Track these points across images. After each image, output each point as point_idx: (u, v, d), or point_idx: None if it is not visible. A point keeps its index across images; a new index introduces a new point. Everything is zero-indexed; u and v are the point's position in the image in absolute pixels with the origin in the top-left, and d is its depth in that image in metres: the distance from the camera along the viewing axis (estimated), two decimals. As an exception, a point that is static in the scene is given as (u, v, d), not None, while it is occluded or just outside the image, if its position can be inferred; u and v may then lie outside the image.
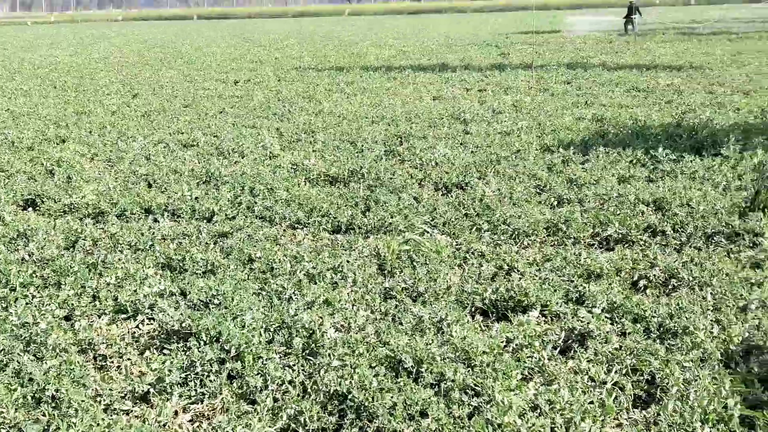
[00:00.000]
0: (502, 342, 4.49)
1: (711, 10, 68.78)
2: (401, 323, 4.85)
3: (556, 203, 7.61)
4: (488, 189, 8.06)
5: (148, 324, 4.99)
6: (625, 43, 29.75)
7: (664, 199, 7.27)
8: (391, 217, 7.07)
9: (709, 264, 5.60)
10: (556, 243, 6.48)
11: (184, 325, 4.74)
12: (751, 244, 6.09)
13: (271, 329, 4.72)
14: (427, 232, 6.81)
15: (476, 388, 3.99)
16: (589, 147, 9.86)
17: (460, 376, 4.07)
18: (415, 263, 5.93)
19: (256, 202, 7.77)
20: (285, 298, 5.27)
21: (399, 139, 11.09)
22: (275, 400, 4.06)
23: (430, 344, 4.40)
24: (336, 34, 49.85)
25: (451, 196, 7.96)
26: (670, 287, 5.39)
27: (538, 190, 8.07)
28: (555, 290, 5.24)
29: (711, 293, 5.08)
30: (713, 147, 9.55)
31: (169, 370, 4.28)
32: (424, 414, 3.84)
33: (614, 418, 3.81)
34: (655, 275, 5.51)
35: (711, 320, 4.69)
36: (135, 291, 5.41)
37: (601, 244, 6.43)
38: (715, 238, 6.26)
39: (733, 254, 5.92)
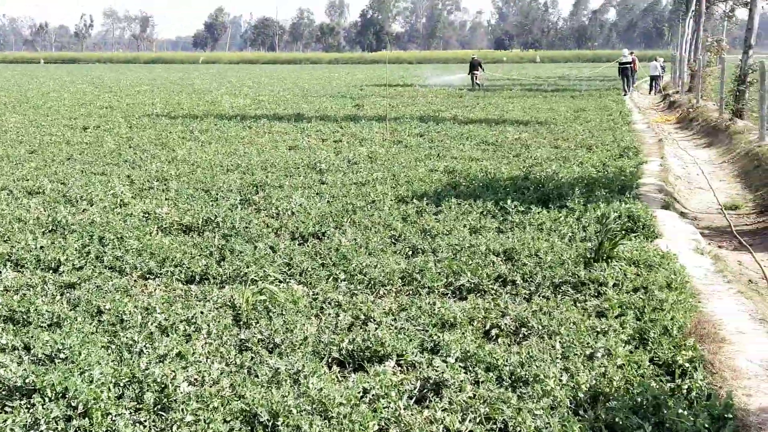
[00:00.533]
0: (358, 393, 4.47)
1: (555, 68, 72.04)
2: (257, 375, 4.76)
3: (411, 253, 7.71)
4: (344, 239, 8.09)
5: (-14, 381, 4.70)
6: (474, 98, 30.76)
7: (513, 249, 7.49)
8: (247, 267, 6.99)
9: (557, 313, 5.78)
10: (411, 292, 6.56)
11: (27, 381, 4.49)
12: (595, 294, 6.34)
13: (121, 384, 4.54)
14: (284, 282, 6.75)
15: (333, 440, 3.96)
16: (442, 198, 10.07)
17: (316, 428, 4.03)
18: (271, 314, 5.86)
19: (105, 252, 7.52)
20: (136, 352, 5.08)
21: (255, 187, 11.01)
22: (125, 458, 3.90)
23: (286, 396, 4.34)
24: (190, 82, 49.33)
25: (308, 246, 7.94)
26: (520, 336, 5.53)
27: (393, 240, 8.16)
28: (410, 340, 5.28)
29: (560, 342, 5.24)
30: (559, 199, 9.94)
31: (12, 429, 4.04)
32: (280, 468, 3.77)
33: (469, 467, 3.85)
34: (506, 324, 5.64)
35: (560, 368, 4.83)
36: (-28, 346, 5.10)
37: (455, 294, 6.55)
38: (562, 288, 6.48)
39: (579, 303, 6.14)
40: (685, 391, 4.57)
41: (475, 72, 39.76)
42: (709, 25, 37.34)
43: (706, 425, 4.07)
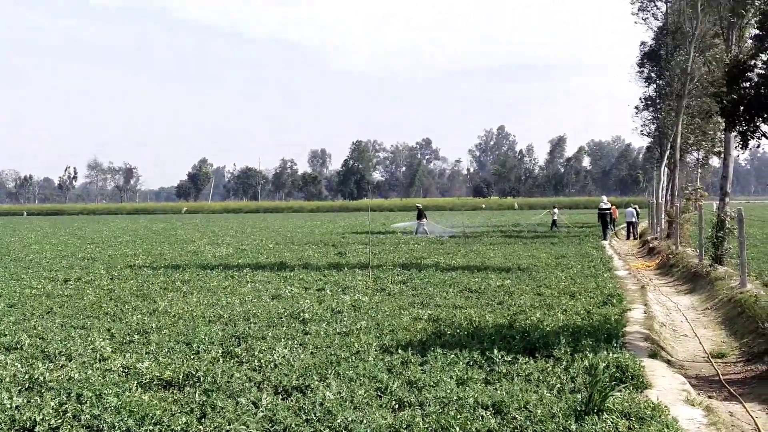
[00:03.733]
0: None
1: (533, 215, 73.07)
2: None
3: (397, 406, 7.55)
4: (329, 392, 7.91)
5: None
6: (455, 245, 30.96)
7: (502, 402, 7.35)
8: (229, 424, 6.79)
9: (551, 470, 5.61)
10: (398, 449, 6.36)
11: None
12: (588, 449, 6.18)
13: None
14: (267, 440, 6.55)
15: None
16: (427, 348, 9.95)
17: None
18: (253, 475, 5.64)
19: (83, 410, 7.29)
20: None
21: (237, 339, 10.86)
22: None
23: None
24: (173, 231, 49.58)
25: (292, 400, 7.75)
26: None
27: (379, 393, 7.99)
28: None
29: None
30: (545, 348, 9.85)
31: None
32: None
33: None
34: (498, 483, 5.46)
35: None
36: None
37: (444, 450, 6.36)
38: (553, 442, 6.32)
39: (572, 459, 5.97)
40: None
41: (421, 221, 41.91)
42: (683, 173, 38.24)
43: None
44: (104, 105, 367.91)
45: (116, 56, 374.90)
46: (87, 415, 7.13)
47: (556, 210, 50.23)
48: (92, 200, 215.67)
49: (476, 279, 18.08)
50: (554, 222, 47.75)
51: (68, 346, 10.35)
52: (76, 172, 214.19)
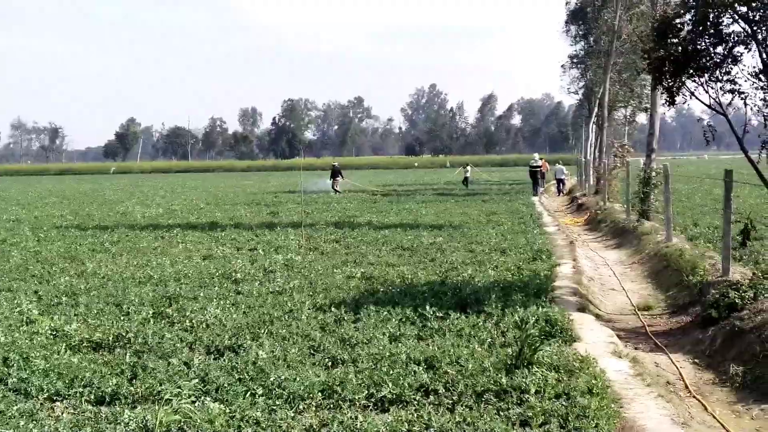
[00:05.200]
0: None
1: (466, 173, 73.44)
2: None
3: (330, 364, 7.57)
4: (262, 351, 7.88)
5: None
6: (389, 203, 31.03)
7: (434, 357, 7.41)
8: (160, 385, 6.72)
9: (482, 423, 5.69)
10: (332, 406, 6.38)
11: None
12: (518, 401, 6.27)
13: None
14: (199, 400, 6.50)
15: None
16: (360, 305, 9.98)
17: None
18: (186, 435, 5.61)
19: (9, 374, 7.15)
20: (41, 482, 4.78)
21: (168, 300, 10.73)
22: None
23: None
24: (101, 192, 48.66)
25: (224, 360, 7.70)
26: (446, 449, 5.40)
27: (312, 351, 8.00)
28: (333, 457, 5.11)
29: (485, 453, 5.14)
30: (477, 304, 9.95)
31: None
32: None
33: None
34: (430, 437, 5.51)
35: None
36: None
37: (377, 406, 6.40)
38: (485, 396, 6.40)
39: (502, 412, 6.06)
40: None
41: (336, 179, 42.67)
42: (611, 130, 38.82)
43: None
44: (28, 65, 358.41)
45: (41, 18, 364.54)
46: (14, 378, 6.99)
47: (469, 167, 51.06)
48: (16, 161, 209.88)
49: (409, 237, 18.15)
50: (466, 179, 48.27)
51: (-7, 309, 10.11)
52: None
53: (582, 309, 10.41)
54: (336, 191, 41.23)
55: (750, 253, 13.10)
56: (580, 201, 33.21)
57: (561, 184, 43.24)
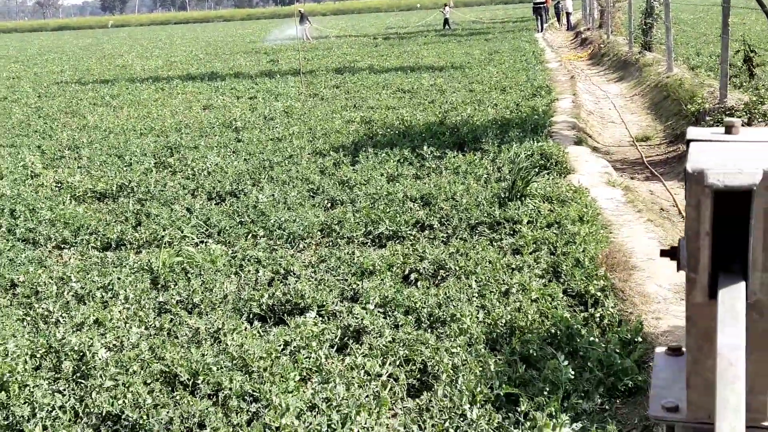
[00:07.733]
0: (279, 346, 4.49)
1: (469, 12, 71.95)
2: (177, 337, 4.75)
3: (329, 205, 7.73)
4: (262, 195, 8.04)
5: None
6: (390, 46, 30.62)
7: (430, 194, 7.56)
8: (163, 230, 6.91)
9: (474, 253, 5.86)
10: (330, 244, 6.58)
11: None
12: (511, 232, 6.44)
13: (38, 355, 4.48)
14: (201, 242, 6.71)
15: (254, 393, 3.97)
16: (359, 149, 10.06)
17: (237, 383, 4.04)
18: (189, 275, 5.82)
19: (17, 225, 7.35)
20: (52, 322, 5.02)
21: (169, 150, 10.85)
22: (44, 428, 3.86)
23: (205, 355, 4.34)
24: (99, 47, 48.07)
25: (225, 205, 7.88)
26: (438, 278, 5.61)
27: (311, 194, 8.15)
28: (331, 290, 5.32)
29: (476, 281, 5.33)
30: (474, 142, 10.02)
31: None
32: (202, 425, 3.78)
33: (390, 409, 3.92)
34: (424, 268, 5.71)
35: (476, 306, 4.93)
36: None
37: (374, 242, 6.59)
38: (478, 228, 6.57)
39: (495, 242, 6.24)
40: (597, 319, 4.71)
41: (305, 25, 40.76)
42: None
43: (617, 350, 4.20)
44: None
45: None
46: (22, 229, 7.19)
47: (447, 8, 46.67)
48: (12, 18, 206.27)
49: (409, 79, 18.03)
50: (446, 21, 45.75)
51: (-2, 165, 10.26)
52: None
53: (579, 142, 10.47)
54: (306, 38, 39.86)
55: (757, 81, 12.99)
56: (583, 35, 32.65)
57: (567, 18, 42.21)
